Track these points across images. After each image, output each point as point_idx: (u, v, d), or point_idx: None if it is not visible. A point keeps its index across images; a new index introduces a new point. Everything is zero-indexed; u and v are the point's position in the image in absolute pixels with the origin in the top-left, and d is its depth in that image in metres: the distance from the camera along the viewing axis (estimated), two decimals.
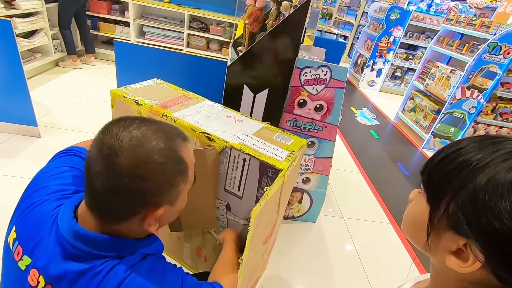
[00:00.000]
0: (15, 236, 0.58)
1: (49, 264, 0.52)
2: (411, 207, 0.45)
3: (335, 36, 3.25)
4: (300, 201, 1.92)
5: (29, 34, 3.17)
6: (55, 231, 0.54)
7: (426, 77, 3.66)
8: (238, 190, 1.04)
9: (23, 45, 3.04)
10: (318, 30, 2.78)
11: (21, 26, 2.98)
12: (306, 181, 1.83)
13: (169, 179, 0.54)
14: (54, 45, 3.53)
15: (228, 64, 1.47)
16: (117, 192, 0.50)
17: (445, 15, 4.59)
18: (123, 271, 0.52)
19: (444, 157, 0.39)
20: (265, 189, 0.85)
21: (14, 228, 0.59)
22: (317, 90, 1.52)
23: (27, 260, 0.54)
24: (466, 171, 0.35)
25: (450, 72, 3.25)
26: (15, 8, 2.92)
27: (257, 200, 1.01)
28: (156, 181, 0.51)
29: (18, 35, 2.96)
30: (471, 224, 0.34)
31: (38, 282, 0.52)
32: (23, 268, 0.54)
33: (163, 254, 0.69)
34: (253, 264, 1.10)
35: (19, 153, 2.09)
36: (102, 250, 0.53)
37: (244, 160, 0.97)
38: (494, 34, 2.92)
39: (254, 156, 0.93)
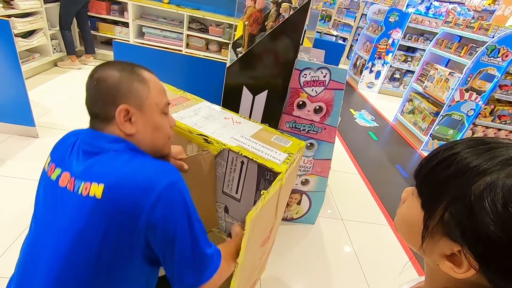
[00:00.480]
0: (49, 160, 0.73)
1: (74, 165, 0.68)
2: (405, 208, 0.45)
3: (335, 38, 3.25)
4: (299, 203, 1.91)
5: (27, 34, 3.16)
6: (77, 144, 0.71)
7: (425, 79, 3.67)
8: (236, 192, 1.04)
9: (21, 45, 3.03)
10: (317, 32, 2.78)
11: (19, 26, 2.97)
12: (305, 182, 1.83)
13: (125, 82, 0.69)
14: (52, 45, 3.52)
15: (228, 65, 1.47)
16: (94, 98, 0.70)
17: (443, 18, 4.60)
18: (129, 155, 0.68)
19: (438, 162, 0.38)
20: (262, 193, 0.85)
21: (49, 156, 0.75)
22: (316, 92, 1.52)
23: (58, 171, 0.69)
24: (462, 179, 0.34)
25: (448, 74, 3.26)
26: (13, 8, 2.91)
27: (256, 203, 1.01)
28: (114, 81, 0.68)
29: (16, 35, 2.95)
30: (466, 232, 0.33)
31: (68, 181, 0.66)
32: (54, 178, 0.68)
33: None
34: (250, 267, 1.10)
35: (17, 153, 2.08)
36: (109, 142, 0.68)
37: (242, 162, 0.96)
38: (493, 37, 2.94)
39: (252, 159, 0.92)
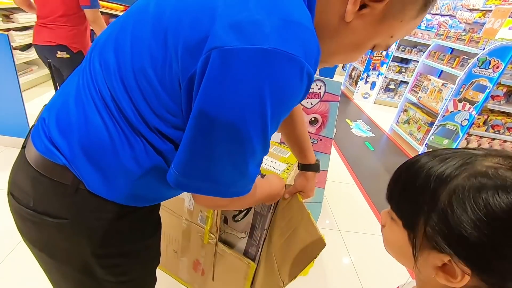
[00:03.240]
0: None
1: None
2: (389, 233, 0.47)
3: None
4: None
5: (26, 47, 3.19)
6: None
7: (419, 90, 3.74)
8: None
9: (19, 57, 3.05)
10: None
11: (18, 39, 2.99)
12: None
13: None
14: None
15: None
16: None
17: (435, 30, 4.72)
18: None
19: (405, 182, 0.41)
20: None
21: None
22: (311, 104, 1.55)
23: None
24: (430, 192, 0.37)
25: (442, 85, 3.33)
26: (13, 22, 2.95)
27: (255, 212, 1.01)
28: None
29: (15, 48, 2.98)
30: (449, 242, 0.35)
31: None
32: None
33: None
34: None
35: None
36: None
37: None
38: (483, 49, 3.01)
39: None
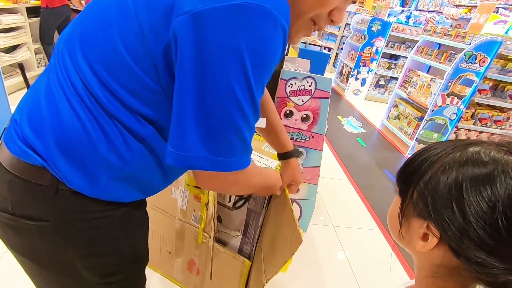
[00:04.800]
0: None
1: None
2: (391, 206, 0.51)
3: (319, 48, 3.33)
4: None
5: (11, 49, 3.12)
6: None
7: (408, 85, 3.78)
8: (229, 201, 1.04)
9: (4, 60, 2.98)
10: (303, 42, 2.85)
11: (2, 41, 2.93)
12: None
13: None
14: (37, 60, 3.48)
15: None
16: None
17: (423, 26, 4.78)
18: None
19: (411, 160, 0.46)
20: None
21: None
22: (303, 101, 1.55)
23: None
24: (424, 166, 0.42)
25: (430, 80, 3.37)
26: None
27: (249, 210, 1.01)
28: None
29: None
30: (427, 206, 0.40)
31: None
32: None
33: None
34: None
35: None
36: None
37: None
38: (469, 44, 3.06)
39: None
